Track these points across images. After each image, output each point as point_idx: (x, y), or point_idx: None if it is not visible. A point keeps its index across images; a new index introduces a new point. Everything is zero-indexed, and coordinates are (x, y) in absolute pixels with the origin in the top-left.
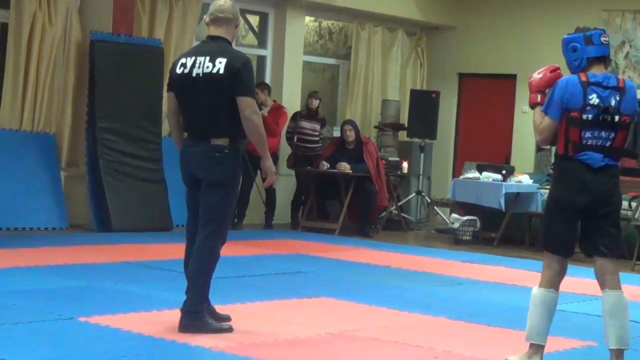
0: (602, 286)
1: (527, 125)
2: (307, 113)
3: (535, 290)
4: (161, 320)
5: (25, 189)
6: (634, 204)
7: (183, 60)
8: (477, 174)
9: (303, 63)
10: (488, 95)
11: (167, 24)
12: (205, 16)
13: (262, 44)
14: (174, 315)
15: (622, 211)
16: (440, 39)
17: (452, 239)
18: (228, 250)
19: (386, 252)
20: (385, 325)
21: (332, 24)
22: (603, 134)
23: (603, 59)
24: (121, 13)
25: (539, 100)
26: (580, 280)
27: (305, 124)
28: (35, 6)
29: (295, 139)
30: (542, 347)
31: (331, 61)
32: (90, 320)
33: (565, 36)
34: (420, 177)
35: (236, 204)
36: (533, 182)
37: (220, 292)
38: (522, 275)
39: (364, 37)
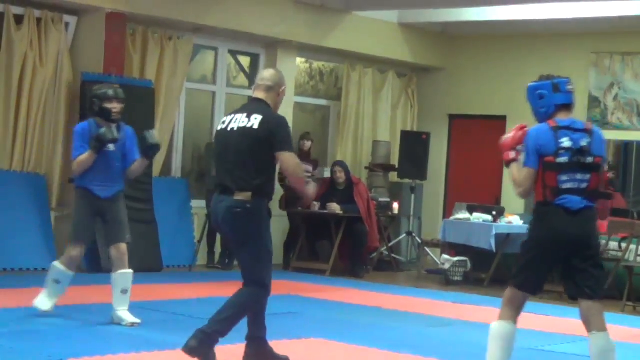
0: (589, 328)
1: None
2: (300, 154)
3: (497, 324)
4: None
5: (15, 229)
6: (623, 245)
7: (225, 118)
8: (467, 215)
9: (294, 104)
10: (478, 136)
11: (158, 64)
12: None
13: (253, 84)
14: (164, 356)
15: (612, 252)
16: (430, 81)
17: (443, 280)
18: (219, 291)
19: (377, 293)
20: None
21: (323, 65)
22: (578, 176)
23: (569, 106)
24: (112, 53)
25: (513, 157)
26: (569, 321)
27: None
28: (27, 46)
29: (288, 180)
30: None
31: (322, 102)
32: None
33: (531, 84)
34: (411, 217)
35: (224, 243)
36: (523, 223)
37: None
38: None
39: (355, 78)
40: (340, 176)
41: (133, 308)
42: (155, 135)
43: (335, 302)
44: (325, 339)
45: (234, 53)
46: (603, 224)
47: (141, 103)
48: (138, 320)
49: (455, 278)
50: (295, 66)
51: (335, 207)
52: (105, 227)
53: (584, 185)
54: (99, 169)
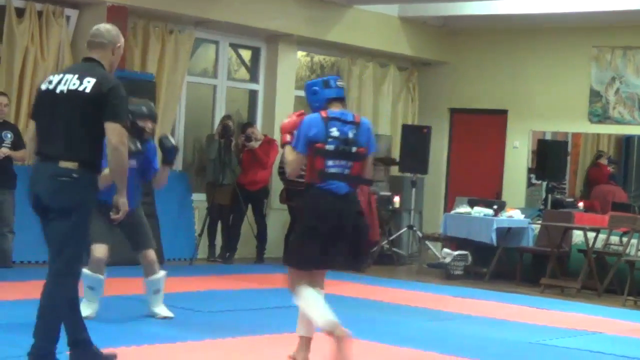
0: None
1: (518, 160)
2: None
3: (303, 291)
4: (152, 354)
5: (19, 224)
6: (624, 239)
7: (50, 77)
8: (468, 209)
9: (295, 97)
10: (479, 130)
11: (159, 58)
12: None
13: (254, 78)
14: (166, 349)
15: (613, 246)
16: (431, 75)
17: (444, 274)
18: (219, 284)
19: (377, 287)
20: None
21: (324, 59)
22: (343, 163)
23: (340, 100)
24: None
25: (288, 139)
26: (571, 315)
27: None
28: (28, 40)
29: (287, 174)
30: (310, 338)
31: None
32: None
33: (307, 82)
34: (412, 211)
35: (227, 237)
36: (525, 217)
37: (211, 326)
38: (513, 310)
39: (356, 72)
40: None
41: (131, 301)
42: (171, 138)
43: (336, 295)
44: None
45: (235, 46)
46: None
47: (142, 97)
48: (171, 314)
49: (456, 272)
50: (296, 60)
51: None
52: (129, 238)
53: (347, 172)
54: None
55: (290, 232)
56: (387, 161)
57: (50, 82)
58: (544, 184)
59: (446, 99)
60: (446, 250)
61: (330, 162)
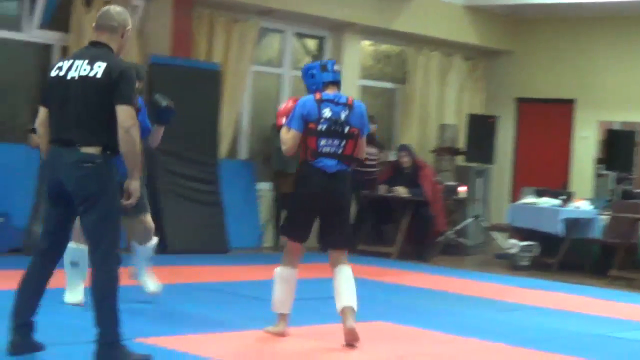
0: (335, 265)
1: (586, 150)
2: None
3: (280, 269)
4: (217, 342)
5: None
6: None
7: (60, 63)
8: (534, 199)
9: (359, 87)
10: (546, 119)
11: (224, 47)
12: (93, 24)
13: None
14: (230, 337)
15: None
16: (497, 64)
17: (510, 265)
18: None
19: (443, 277)
20: (442, 351)
21: (389, 48)
22: (335, 142)
23: (335, 83)
24: (179, 36)
25: (283, 122)
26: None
27: None
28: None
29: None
30: (287, 315)
31: (388, 85)
32: (147, 341)
33: (305, 65)
34: (478, 201)
35: None
36: (594, 208)
37: (275, 315)
38: (582, 301)
39: (421, 61)
40: (405, 161)
41: (199, 289)
42: (164, 98)
43: (401, 285)
44: (391, 322)
45: (300, 36)
46: None
47: (208, 86)
48: (158, 289)
49: (523, 263)
50: (361, 49)
51: (401, 191)
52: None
53: (339, 151)
54: None
55: (356, 222)
56: (453, 151)
57: (60, 69)
58: (612, 174)
59: (513, 88)
60: (512, 240)
61: (322, 142)
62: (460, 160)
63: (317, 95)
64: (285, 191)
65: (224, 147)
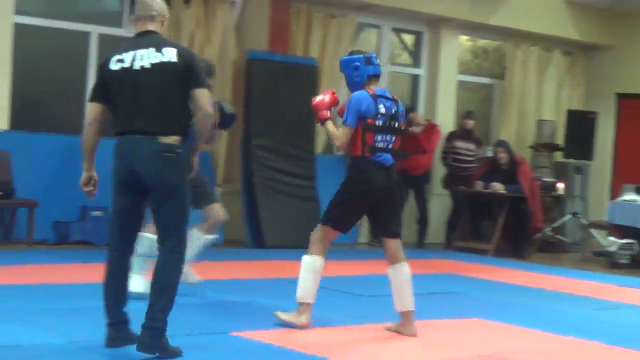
0: (394, 261)
1: None
2: (462, 133)
3: (310, 258)
4: (313, 337)
5: None
6: None
7: (118, 56)
8: (635, 197)
9: (457, 82)
10: None
11: (321, 42)
12: (130, 16)
13: (416, 63)
14: (326, 332)
15: None
16: (597, 59)
17: (609, 263)
18: (380, 269)
19: (540, 274)
20: (538, 348)
21: (487, 43)
22: (388, 137)
23: (378, 77)
24: (277, 32)
25: (328, 115)
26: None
27: (460, 144)
28: (194, 24)
29: (450, 159)
30: (311, 304)
31: (486, 80)
32: (243, 335)
33: (344, 57)
34: (576, 198)
35: None
36: None
37: (373, 310)
38: None
39: (520, 56)
40: (502, 157)
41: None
42: (230, 106)
43: (498, 282)
44: (487, 319)
45: (397, 31)
46: None
47: (305, 81)
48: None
49: (622, 261)
50: (459, 44)
51: (498, 187)
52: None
53: (391, 145)
54: None
55: (453, 218)
56: (551, 147)
57: (122, 61)
58: None
59: (613, 83)
60: (612, 238)
61: (379, 137)
62: (558, 156)
63: (370, 91)
64: None
65: (320, 142)
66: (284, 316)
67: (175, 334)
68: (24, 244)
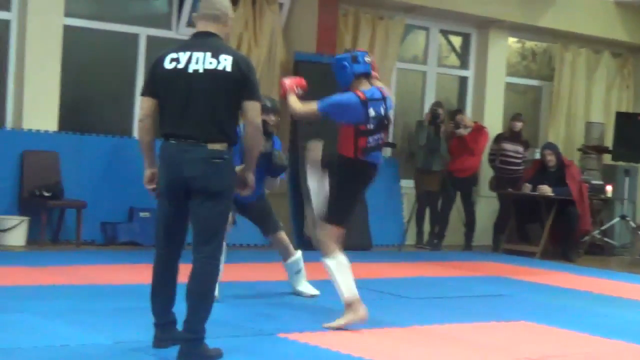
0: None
1: None
2: (510, 135)
3: (338, 258)
4: (360, 338)
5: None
6: None
7: (174, 55)
8: None
9: (505, 84)
10: None
11: (369, 44)
12: (193, 14)
13: (464, 64)
14: (374, 334)
15: None
16: None
17: None
18: (427, 271)
19: (588, 277)
20: (586, 352)
21: (536, 45)
22: (377, 135)
23: (367, 76)
24: (325, 33)
25: (296, 92)
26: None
27: (508, 147)
28: (242, 26)
29: (498, 161)
30: (359, 298)
31: (534, 82)
32: (290, 336)
33: (336, 56)
34: (625, 201)
35: (437, 224)
36: None
37: (419, 312)
38: None
39: (568, 58)
40: (551, 159)
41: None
42: (282, 157)
43: (546, 285)
44: (535, 322)
45: (445, 33)
46: None
47: None
48: (316, 292)
49: None
50: (507, 46)
51: (546, 189)
52: (258, 223)
53: (380, 142)
54: None
55: (500, 220)
56: (600, 149)
57: (177, 61)
58: None
59: None
60: None
61: (370, 139)
62: (607, 158)
63: (361, 95)
64: (428, 189)
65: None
66: (337, 322)
67: (221, 335)
68: (72, 244)
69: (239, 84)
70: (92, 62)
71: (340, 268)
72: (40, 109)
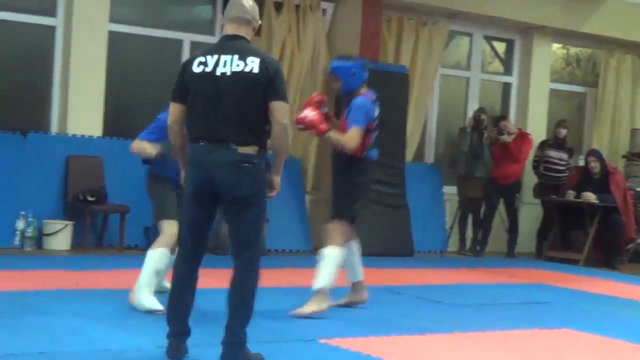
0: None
1: None
2: (555, 142)
3: (337, 250)
4: (401, 345)
5: (270, 212)
6: None
7: (202, 58)
8: None
9: (550, 90)
10: None
11: (412, 50)
12: (222, 17)
13: (507, 70)
14: (414, 340)
15: None
16: None
17: None
18: (469, 278)
19: (632, 285)
20: None
21: (580, 51)
22: (375, 133)
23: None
24: (368, 39)
25: (328, 127)
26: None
27: (553, 153)
28: (285, 32)
29: (542, 168)
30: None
31: (578, 89)
32: (331, 342)
33: (343, 64)
34: None
35: (479, 230)
36: None
37: (462, 319)
38: None
39: (613, 64)
40: (595, 166)
41: (383, 292)
42: None
43: (589, 292)
44: (578, 330)
45: (488, 39)
46: None
47: (395, 89)
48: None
49: None
50: (551, 52)
51: (590, 196)
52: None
53: (375, 138)
54: None
55: (543, 227)
56: None
57: (204, 64)
58: None
59: None
60: None
61: (372, 136)
62: None
63: (370, 97)
64: (471, 195)
65: (410, 151)
66: (303, 310)
67: (262, 340)
68: (115, 249)
69: (266, 85)
70: (137, 67)
71: (335, 261)
72: (85, 114)
